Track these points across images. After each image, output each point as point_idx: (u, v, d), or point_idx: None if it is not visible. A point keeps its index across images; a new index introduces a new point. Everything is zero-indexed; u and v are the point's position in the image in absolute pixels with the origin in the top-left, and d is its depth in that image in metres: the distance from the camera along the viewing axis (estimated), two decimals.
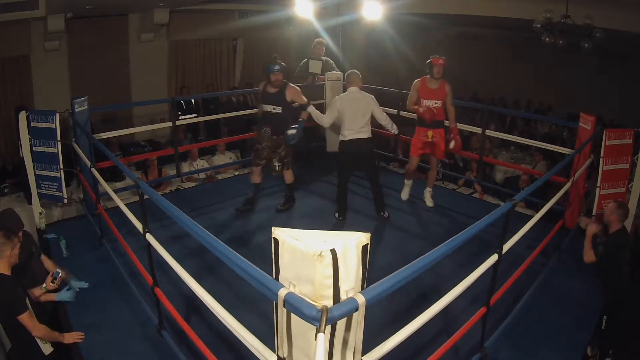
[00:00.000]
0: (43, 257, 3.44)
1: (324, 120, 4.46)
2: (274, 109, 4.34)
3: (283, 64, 4.30)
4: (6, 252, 2.65)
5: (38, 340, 2.73)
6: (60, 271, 3.06)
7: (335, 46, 6.70)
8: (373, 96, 4.41)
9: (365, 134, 4.34)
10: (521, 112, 9.36)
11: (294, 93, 4.36)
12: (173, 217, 2.24)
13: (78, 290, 3.34)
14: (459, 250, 2.11)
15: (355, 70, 4.49)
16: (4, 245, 2.64)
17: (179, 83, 8.91)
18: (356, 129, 4.28)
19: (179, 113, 7.55)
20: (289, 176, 4.68)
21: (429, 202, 4.92)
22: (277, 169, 4.51)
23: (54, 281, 3.01)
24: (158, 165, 6.05)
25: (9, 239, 2.68)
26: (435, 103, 4.45)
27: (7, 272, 2.67)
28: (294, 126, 4.28)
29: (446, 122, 4.59)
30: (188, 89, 8.75)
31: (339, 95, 4.49)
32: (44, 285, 3.01)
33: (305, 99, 4.43)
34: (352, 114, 4.28)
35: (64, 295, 3.14)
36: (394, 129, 4.67)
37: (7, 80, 7.02)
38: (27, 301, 2.74)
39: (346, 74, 4.54)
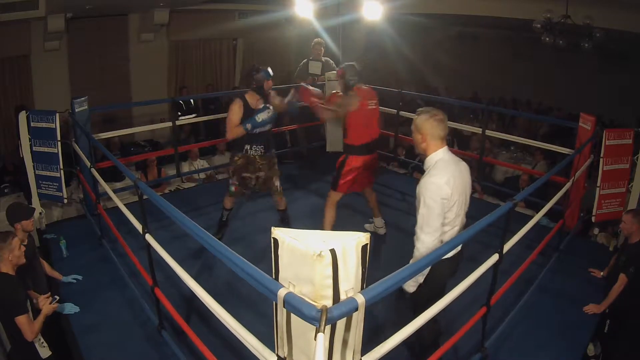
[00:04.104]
0: (40, 260, 3.43)
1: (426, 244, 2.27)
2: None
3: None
4: (4, 255, 2.63)
5: (36, 344, 2.70)
6: (57, 297, 2.89)
7: (335, 46, 6.70)
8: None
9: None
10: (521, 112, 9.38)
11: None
12: (172, 218, 2.24)
13: (74, 281, 3.42)
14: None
15: (435, 112, 2.34)
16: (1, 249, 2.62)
17: (179, 83, 8.90)
18: (460, 226, 2.41)
19: (179, 113, 7.55)
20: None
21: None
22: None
23: (51, 304, 2.79)
24: (158, 165, 6.05)
25: (4, 241, 2.65)
26: None
27: (11, 273, 2.67)
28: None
29: None
30: (188, 89, 8.76)
31: (441, 162, 2.31)
32: (35, 301, 2.86)
33: None
34: (462, 199, 2.37)
35: (69, 309, 3.11)
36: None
37: (7, 80, 7.01)
38: (28, 304, 2.73)
39: (420, 116, 2.35)
